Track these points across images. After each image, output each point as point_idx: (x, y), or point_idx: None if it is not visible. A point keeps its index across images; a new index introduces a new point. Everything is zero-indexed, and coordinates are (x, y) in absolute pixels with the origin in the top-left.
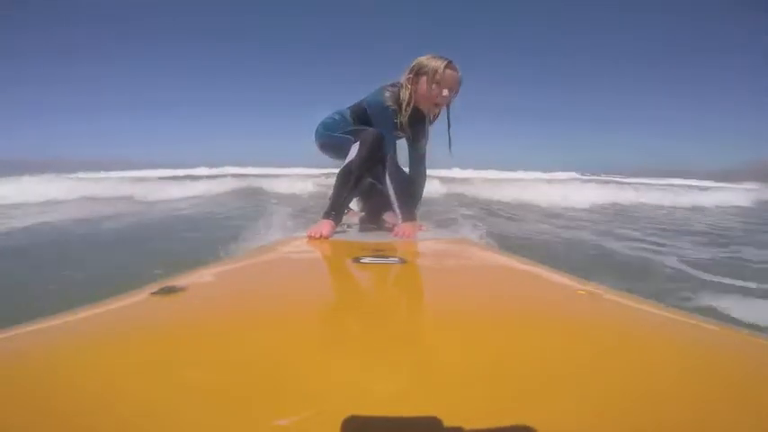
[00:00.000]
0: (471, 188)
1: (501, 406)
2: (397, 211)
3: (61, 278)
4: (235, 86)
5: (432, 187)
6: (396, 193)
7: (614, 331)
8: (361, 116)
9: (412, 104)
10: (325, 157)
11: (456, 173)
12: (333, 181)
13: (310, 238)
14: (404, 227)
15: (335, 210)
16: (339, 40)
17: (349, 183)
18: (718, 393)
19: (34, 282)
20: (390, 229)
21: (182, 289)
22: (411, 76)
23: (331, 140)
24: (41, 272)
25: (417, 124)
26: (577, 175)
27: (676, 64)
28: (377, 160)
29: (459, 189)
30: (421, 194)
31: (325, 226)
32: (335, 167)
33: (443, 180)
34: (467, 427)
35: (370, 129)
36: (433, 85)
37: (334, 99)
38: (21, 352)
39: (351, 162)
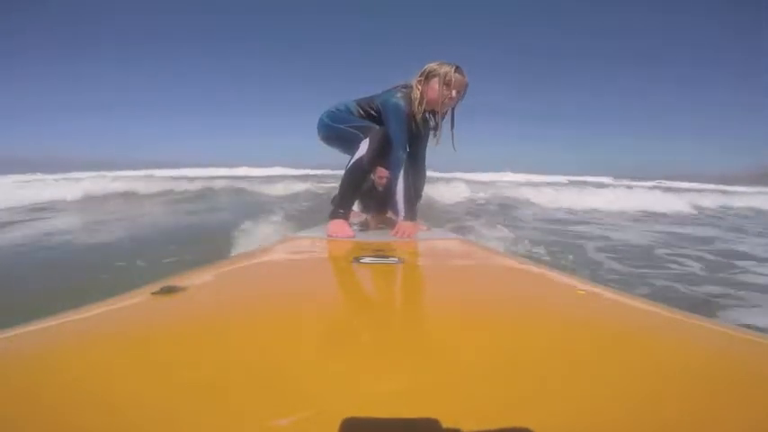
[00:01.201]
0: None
1: (502, 406)
2: (400, 207)
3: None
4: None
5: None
6: (403, 193)
7: (615, 331)
8: (370, 113)
9: (424, 104)
10: (307, 158)
11: (486, 176)
12: (304, 186)
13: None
14: (404, 225)
15: (344, 207)
16: (331, 39)
17: (359, 178)
18: (718, 393)
19: None
20: (391, 228)
21: (182, 289)
22: (422, 78)
23: (338, 133)
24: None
25: (425, 124)
26: (611, 180)
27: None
28: (384, 157)
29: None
30: (421, 194)
31: (344, 226)
32: (324, 168)
33: (471, 183)
34: (468, 427)
35: (378, 127)
36: (444, 87)
37: (324, 99)
38: (21, 352)
39: (361, 158)
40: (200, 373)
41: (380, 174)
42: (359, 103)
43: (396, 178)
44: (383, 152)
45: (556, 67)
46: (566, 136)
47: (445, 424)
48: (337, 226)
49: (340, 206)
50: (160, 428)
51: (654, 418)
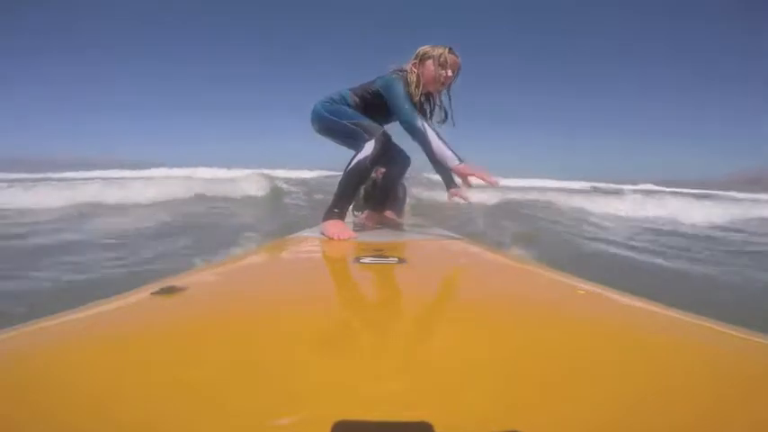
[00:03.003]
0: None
1: (503, 406)
2: (449, 155)
3: None
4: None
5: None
6: (442, 143)
7: (617, 331)
8: (368, 99)
9: (421, 86)
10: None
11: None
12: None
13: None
14: (468, 167)
15: (340, 207)
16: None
17: (361, 179)
18: (720, 393)
19: None
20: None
21: (182, 289)
22: (416, 61)
23: (337, 127)
24: None
25: (423, 105)
26: (655, 187)
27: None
28: (386, 158)
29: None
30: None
31: (342, 227)
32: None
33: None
34: (469, 428)
35: (379, 126)
36: (439, 68)
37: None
38: (21, 352)
39: (365, 159)
40: (200, 373)
41: (377, 172)
42: (354, 91)
43: (427, 143)
44: (385, 152)
45: (535, 71)
46: (538, 140)
47: (447, 425)
48: (335, 227)
49: (336, 206)
50: (159, 428)
51: (656, 419)
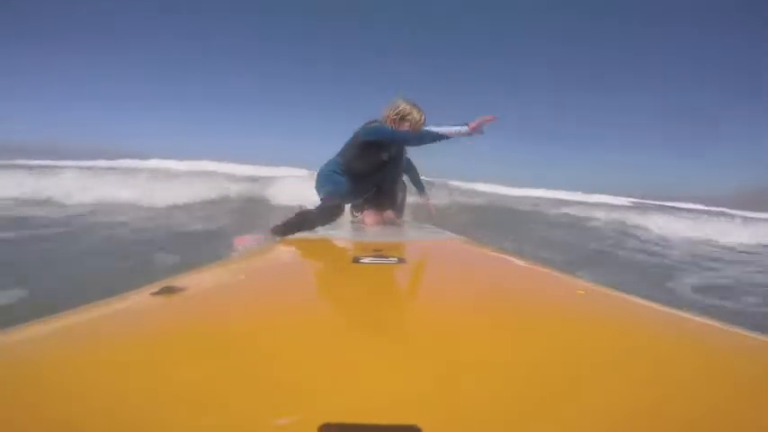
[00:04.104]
0: None
1: (505, 407)
2: (456, 130)
3: None
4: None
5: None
6: (447, 128)
7: (617, 330)
8: (353, 155)
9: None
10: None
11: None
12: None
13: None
14: (484, 118)
15: (282, 231)
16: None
17: (304, 224)
18: (720, 391)
19: None
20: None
21: (182, 289)
22: (396, 118)
23: (318, 194)
24: None
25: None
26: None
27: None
28: (325, 221)
29: None
30: (403, 208)
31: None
32: None
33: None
34: (470, 429)
35: (335, 206)
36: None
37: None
38: (21, 352)
39: (312, 209)
40: (198, 373)
41: (368, 221)
42: (340, 155)
43: (438, 137)
44: (326, 216)
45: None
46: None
47: (447, 426)
48: (253, 239)
49: (281, 228)
50: (157, 428)
51: (657, 419)
